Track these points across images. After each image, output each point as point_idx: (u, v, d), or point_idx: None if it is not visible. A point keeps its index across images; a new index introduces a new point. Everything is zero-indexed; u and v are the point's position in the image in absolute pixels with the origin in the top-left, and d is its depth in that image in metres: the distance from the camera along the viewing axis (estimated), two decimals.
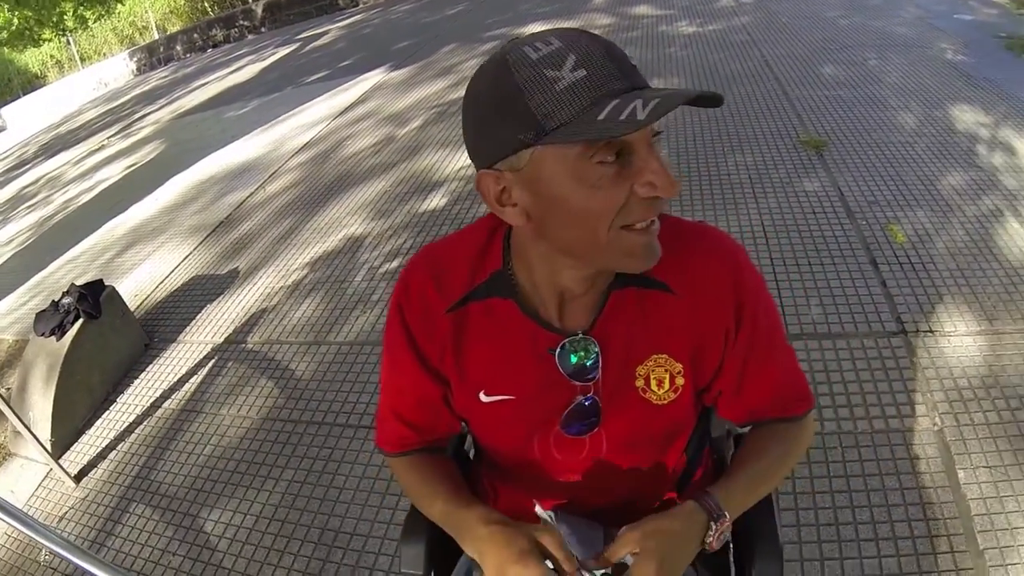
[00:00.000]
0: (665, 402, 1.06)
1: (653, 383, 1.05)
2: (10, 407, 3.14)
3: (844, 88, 5.34)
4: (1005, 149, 4.06)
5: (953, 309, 2.88)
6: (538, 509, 1.06)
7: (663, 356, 1.04)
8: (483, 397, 1.10)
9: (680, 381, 1.05)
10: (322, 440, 2.98)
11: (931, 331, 2.79)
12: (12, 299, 5.89)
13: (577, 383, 1.05)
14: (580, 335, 1.02)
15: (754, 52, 6.65)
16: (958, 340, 2.73)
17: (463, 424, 1.23)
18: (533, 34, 0.82)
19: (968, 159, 4.00)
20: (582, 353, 1.03)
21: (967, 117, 4.53)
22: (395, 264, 4.23)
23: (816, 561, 2.04)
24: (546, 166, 0.82)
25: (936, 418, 2.42)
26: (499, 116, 0.82)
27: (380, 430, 1.24)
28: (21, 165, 12.96)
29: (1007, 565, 1.94)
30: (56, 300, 3.91)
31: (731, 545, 1.23)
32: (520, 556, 0.91)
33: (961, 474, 2.22)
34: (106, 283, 4.09)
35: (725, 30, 7.63)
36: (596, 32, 0.83)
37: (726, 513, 1.00)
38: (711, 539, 0.98)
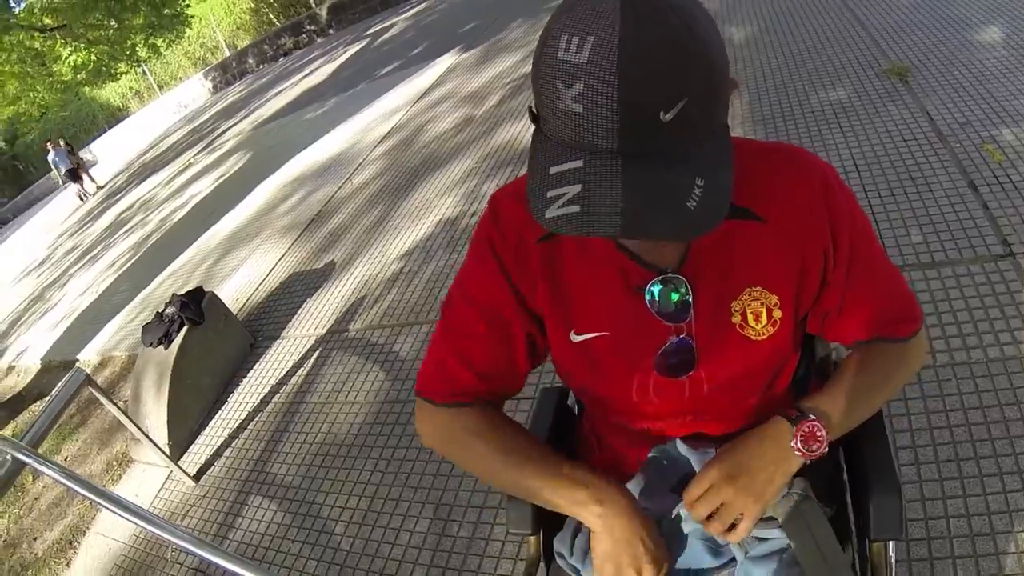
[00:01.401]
0: (764, 337, 1.00)
1: (750, 318, 1.00)
2: (128, 416, 3.23)
3: (921, 12, 4.99)
4: None
5: None
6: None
7: (758, 289, 0.99)
8: (574, 337, 1.05)
9: (778, 314, 1.00)
10: None
11: None
12: (121, 317, 6.15)
13: (669, 324, 1.00)
14: (669, 271, 0.97)
15: None
16: None
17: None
18: (588, 18, 0.69)
19: None
20: (672, 293, 0.98)
21: None
22: None
23: (939, 500, 1.92)
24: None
25: None
26: (533, 72, 0.77)
27: (429, 377, 1.14)
28: (116, 193, 13.54)
29: None
30: (160, 311, 4.04)
31: (848, 480, 1.19)
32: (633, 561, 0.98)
33: None
34: (205, 290, 4.18)
35: None
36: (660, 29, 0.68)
37: (810, 415, 0.99)
38: (795, 443, 0.98)
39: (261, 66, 20.30)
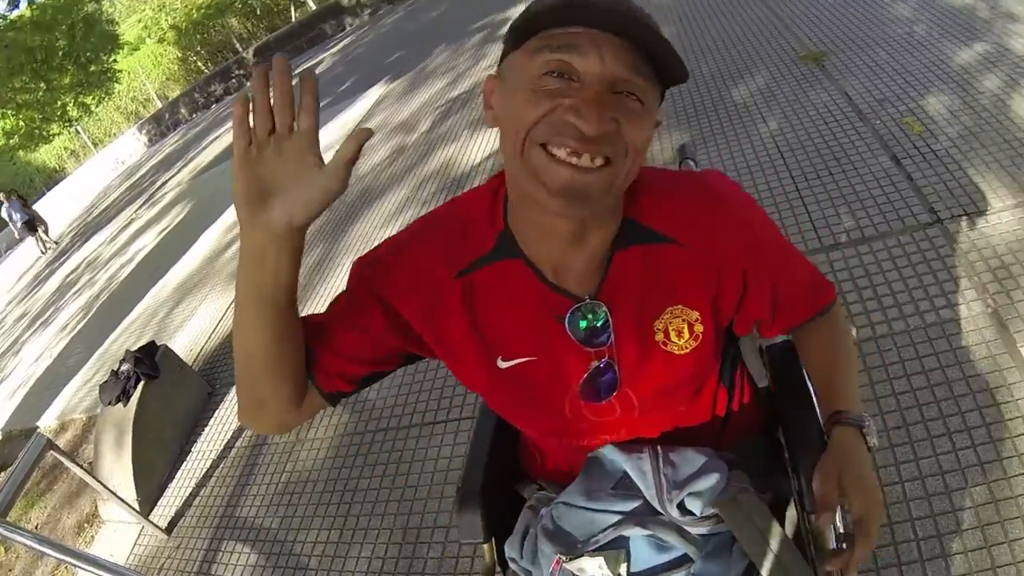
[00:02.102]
0: (687, 351, 1.05)
1: (673, 334, 1.04)
2: (93, 476, 3.24)
3: None
4: (1006, 16, 3.92)
5: (984, 187, 2.78)
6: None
7: (678, 307, 1.03)
8: (501, 363, 1.06)
9: (699, 328, 1.04)
10: (390, 445, 3.04)
11: (966, 214, 2.70)
12: (77, 380, 6.09)
13: (590, 349, 1.03)
14: (588, 299, 1.00)
15: None
16: (995, 217, 2.63)
17: None
18: None
19: (971, 34, 3.88)
20: (591, 316, 1.01)
21: None
22: None
23: (891, 466, 1.99)
24: (512, 70, 0.87)
25: (988, 300, 2.34)
26: (509, 28, 0.87)
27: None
28: (61, 255, 13.32)
29: None
30: (115, 369, 4.02)
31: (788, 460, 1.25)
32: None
33: None
34: (158, 343, 4.19)
35: None
36: None
37: (861, 419, 1.08)
38: (872, 440, 1.08)
39: (194, 115, 20.12)
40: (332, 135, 8.53)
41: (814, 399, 1.21)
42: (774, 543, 1.04)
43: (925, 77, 3.64)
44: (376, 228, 5.22)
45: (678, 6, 6.57)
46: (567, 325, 1.00)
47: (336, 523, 2.82)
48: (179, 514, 3.46)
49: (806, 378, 1.25)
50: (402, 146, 6.68)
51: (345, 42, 16.17)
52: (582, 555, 1.07)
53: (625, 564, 1.06)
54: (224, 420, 3.96)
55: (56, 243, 16.26)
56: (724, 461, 1.13)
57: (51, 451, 2.85)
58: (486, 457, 1.36)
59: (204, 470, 3.65)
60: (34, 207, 16.37)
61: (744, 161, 3.61)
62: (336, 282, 4.74)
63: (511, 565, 1.23)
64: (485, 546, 1.31)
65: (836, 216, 2.95)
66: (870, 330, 2.40)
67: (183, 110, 20.22)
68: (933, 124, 3.25)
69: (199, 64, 21.70)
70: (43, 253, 15.97)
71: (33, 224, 15.55)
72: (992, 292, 2.35)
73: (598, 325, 1.00)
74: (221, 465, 3.60)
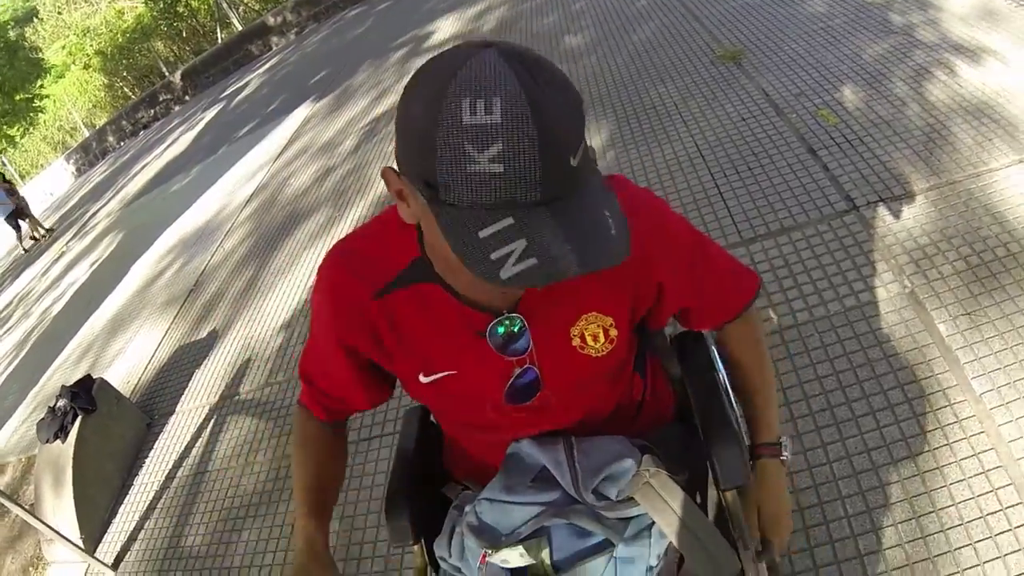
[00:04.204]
0: (604, 353, 1.09)
1: (589, 339, 1.08)
2: (36, 517, 3.20)
3: None
4: (918, 6, 4.05)
5: (898, 173, 2.88)
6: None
7: (593, 314, 1.07)
8: (423, 378, 1.11)
9: (614, 332, 1.09)
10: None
11: (881, 200, 2.79)
12: (13, 421, 5.94)
13: (511, 357, 1.06)
14: (505, 314, 1.03)
15: None
16: (909, 202, 2.74)
17: None
18: (485, 80, 0.71)
19: (883, 27, 4.01)
20: (507, 323, 1.03)
21: None
22: None
23: (819, 449, 2.06)
24: (432, 219, 0.79)
25: (905, 281, 2.43)
26: (413, 145, 0.76)
27: (303, 363, 1.28)
28: None
29: (1007, 404, 1.96)
30: (52, 406, 3.94)
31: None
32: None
33: (942, 327, 2.22)
34: (94, 376, 4.13)
35: None
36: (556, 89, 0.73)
37: (776, 438, 1.25)
38: (787, 458, 1.25)
39: (122, 143, 19.65)
40: (259, 159, 8.48)
41: (725, 386, 1.32)
42: (691, 522, 1.08)
43: (839, 70, 3.76)
44: (304, 248, 5.22)
45: (597, 13, 6.67)
46: (488, 338, 1.03)
47: (281, 544, 2.83)
48: (124, 549, 3.42)
49: (715, 361, 1.35)
50: (328, 166, 6.66)
51: (272, 62, 15.97)
52: (504, 547, 1.12)
53: (547, 550, 1.11)
54: (164, 450, 3.92)
55: (49, 231, 14.56)
56: (637, 447, 1.18)
57: None
58: (410, 463, 1.41)
59: (147, 502, 3.60)
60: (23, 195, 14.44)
61: (664, 161, 3.69)
62: (269, 303, 4.73)
63: (441, 564, 1.26)
64: (416, 548, 1.34)
65: (755, 209, 3.04)
66: (791, 318, 2.47)
67: (111, 138, 19.72)
68: (848, 115, 3.37)
69: (125, 90, 21.20)
70: (34, 242, 14.23)
71: (21, 215, 13.72)
72: (909, 273, 2.44)
73: (514, 331, 1.04)
74: (164, 496, 3.56)
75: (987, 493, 1.81)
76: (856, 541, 1.84)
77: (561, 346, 1.07)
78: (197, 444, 3.77)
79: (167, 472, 3.72)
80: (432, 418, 1.50)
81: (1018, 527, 1.73)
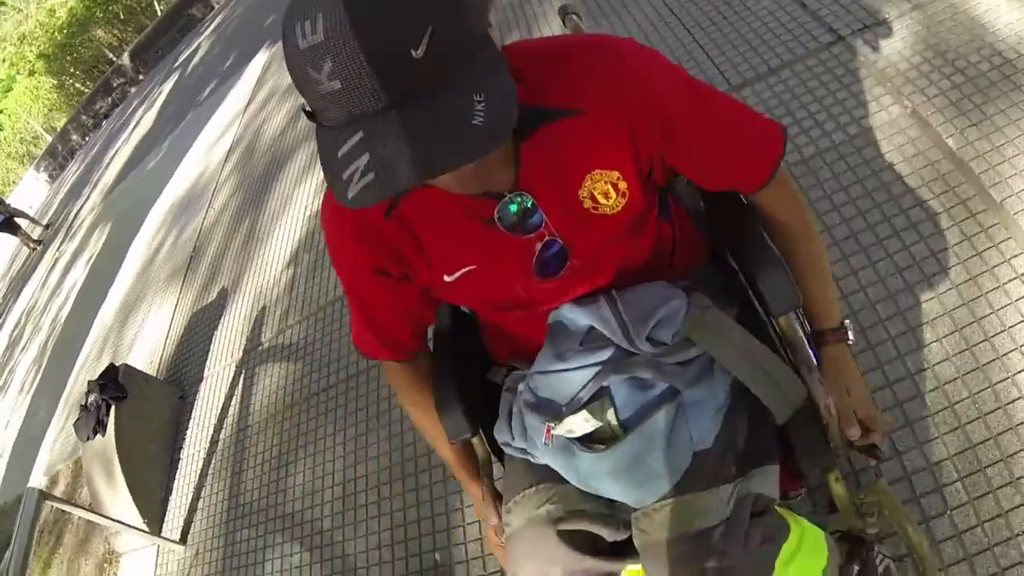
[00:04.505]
0: (618, 208, 1.04)
1: (600, 197, 1.03)
2: (97, 513, 3.14)
3: None
4: None
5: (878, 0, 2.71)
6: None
7: (596, 172, 1.02)
8: (447, 278, 1.09)
9: (623, 185, 1.03)
10: (365, 387, 3.00)
11: (865, 27, 2.65)
12: (52, 431, 5.92)
13: (527, 235, 1.04)
14: (507, 194, 1.00)
15: None
16: (895, 24, 2.59)
17: None
18: (307, 1, 0.69)
19: None
20: (517, 203, 1.01)
21: None
22: None
23: (850, 277, 2.00)
24: None
25: (905, 101, 2.32)
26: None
27: (356, 333, 1.26)
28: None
29: None
30: (83, 403, 3.86)
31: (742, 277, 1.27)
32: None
33: (950, 141, 2.14)
34: (117, 364, 4.02)
35: None
36: None
37: (839, 321, 1.20)
38: (853, 339, 1.21)
39: (87, 138, 19.27)
40: (229, 114, 8.20)
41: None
42: (752, 352, 1.06)
43: None
44: (294, 186, 5.04)
45: None
46: (498, 220, 1.01)
47: (335, 479, 2.78)
48: (188, 522, 3.37)
49: (738, 202, 1.23)
50: (301, 103, 6.38)
51: (217, 20, 15.46)
52: (567, 416, 1.06)
53: (611, 410, 1.06)
54: (203, 417, 3.85)
55: (37, 242, 14.10)
56: (680, 289, 1.15)
57: (47, 501, 2.72)
58: (451, 356, 1.35)
59: (198, 471, 3.55)
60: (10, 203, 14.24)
61: (636, 26, 3.46)
62: (271, 248, 4.60)
63: (505, 451, 1.23)
64: (475, 440, 1.31)
65: (739, 56, 2.87)
66: (797, 153, 2.37)
67: (75, 136, 19.34)
68: None
69: (77, 85, 20.70)
70: (32, 250, 13.92)
71: (12, 222, 13.18)
72: (907, 94, 2.33)
73: (528, 207, 1.01)
74: (213, 461, 3.50)
75: (1019, 293, 1.79)
76: (904, 361, 1.81)
77: (574, 211, 1.04)
78: (232, 403, 3.68)
79: (210, 437, 3.65)
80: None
81: None
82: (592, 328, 1.12)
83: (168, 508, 3.58)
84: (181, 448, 3.82)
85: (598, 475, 1.06)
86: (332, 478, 2.76)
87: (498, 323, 1.29)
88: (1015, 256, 1.85)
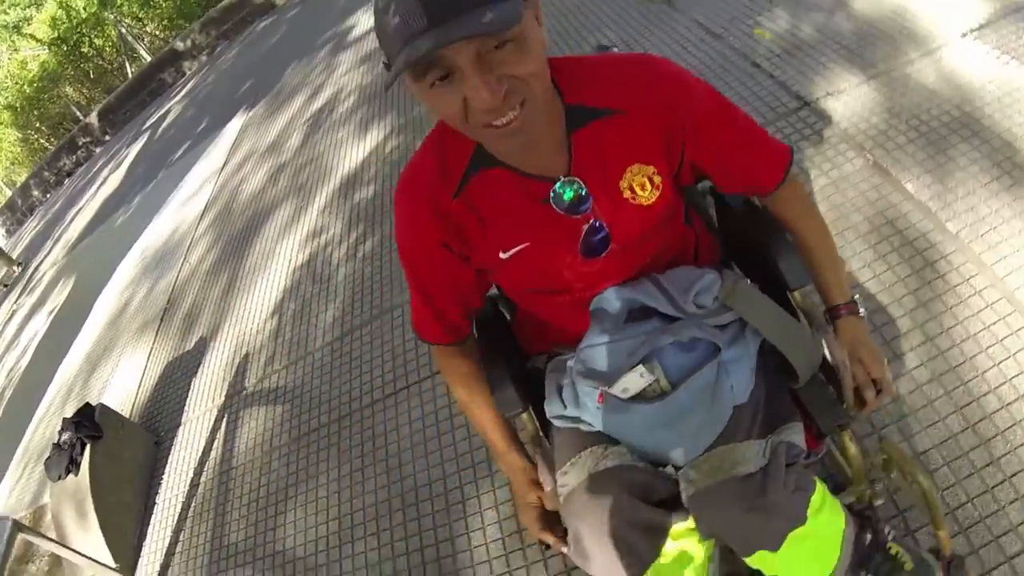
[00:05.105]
0: (653, 200, 1.21)
1: (637, 189, 1.19)
2: (71, 549, 3.07)
3: None
4: None
5: (839, 70, 3.09)
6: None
7: (636, 166, 1.19)
8: (502, 255, 1.23)
9: (658, 179, 1.20)
10: (359, 426, 3.03)
11: (828, 94, 3.00)
12: (8, 481, 5.68)
13: (576, 216, 1.19)
14: (561, 178, 1.17)
15: None
16: (855, 91, 2.95)
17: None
18: None
19: None
20: (573, 188, 1.17)
21: None
22: (343, 254, 4.22)
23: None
24: (414, 87, 0.99)
25: (867, 155, 2.65)
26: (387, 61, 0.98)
27: (416, 318, 1.41)
28: None
29: (980, 236, 2.24)
30: (56, 442, 3.76)
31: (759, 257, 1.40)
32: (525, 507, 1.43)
33: (909, 186, 2.48)
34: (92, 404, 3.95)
35: None
36: None
37: (850, 297, 1.36)
38: (863, 313, 1.37)
39: (48, 195, 19.00)
40: (203, 174, 8.23)
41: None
42: (779, 317, 1.24)
43: None
44: (276, 241, 5.09)
45: None
46: (552, 202, 1.18)
47: (330, 514, 2.77)
48: (165, 566, 3.29)
49: (751, 205, 1.44)
50: (280, 165, 6.48)
51: (189, 86, 15.50)
52: (624, 374, 1.21)
53: (660, 369, 1.21)
54: (181, 461, 3.79)
55: (19, 265, 13.81)
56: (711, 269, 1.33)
57: (20, 533, 2.68)
58: (499, 341, 1.52)
59: (176, 516, 3.47)
60: None
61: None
62: (253, 298, 4.62)
63: (556, 423, 1.36)
64: (524, 415, 1.44)
65: None
66: None
67: (36, 192, 19.03)
68: (781, 29, 3.53)
69: (42, 141, 20.47)
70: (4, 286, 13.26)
71: None
72: (869, 148, 2.68)
73: (583, 194, 1.17)
74: (193, 505, 3.44)
75: (979, 305, 2.10)
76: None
77: (615, 199, 1.20)
78: (214, 446, 3.65)
79: (190, 480, 3.60)
80: (500, 306, 1.64)
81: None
82: (634, 309, 1.28)
83: (143, 553, 3.48)
84: (156, 493, 3.74)
85: (652, 428, 1.20)
86: (327, 514, 2.76)
87: (537, 314, 1.43)
88: (972, 276, 2.15)
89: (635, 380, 1.20)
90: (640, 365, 1.21)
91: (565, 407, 1.31)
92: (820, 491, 1.18)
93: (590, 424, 1.28)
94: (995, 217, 2.26)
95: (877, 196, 2.50)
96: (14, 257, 14.23)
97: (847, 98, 2.94)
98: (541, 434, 1.46)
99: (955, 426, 1.87)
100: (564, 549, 1.29)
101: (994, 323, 2.02)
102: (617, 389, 1.21)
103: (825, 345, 1.33)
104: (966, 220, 2.29)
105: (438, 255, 1.25)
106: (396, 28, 0.90)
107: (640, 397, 1.21)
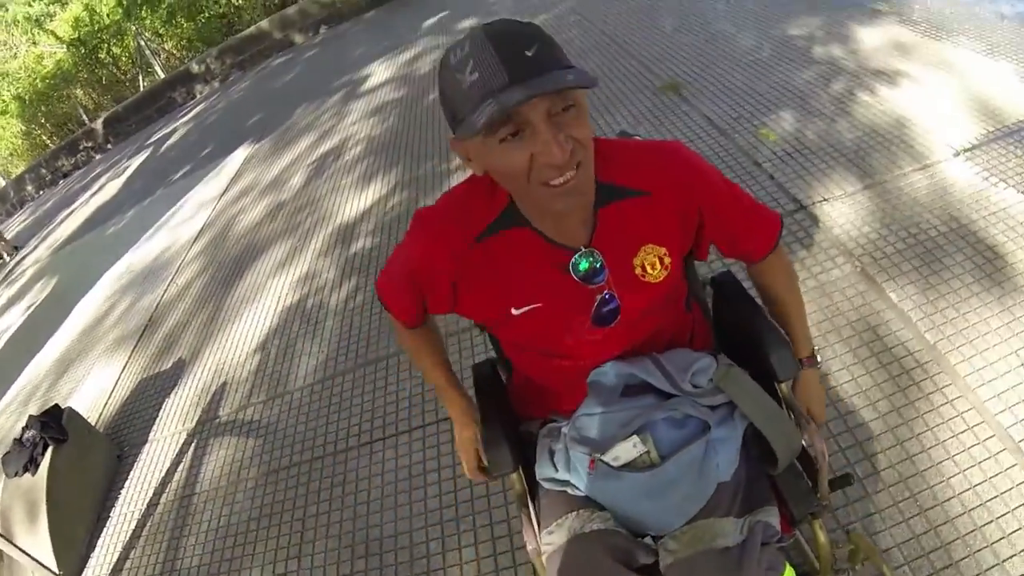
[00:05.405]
0: (661, 279, 1.30)
1: (648, 268, 1.28)
2: (13, 544, 3.03)
3: (682, 33, 5.68)
4: (837, 40, 4.51)
5: (836, 177, 3.26)
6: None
7: (650, 246, 1.28)
8: (514, 311, 1.29)
9: (668, 260, 1.29)
10: (330, 470, 3.04)
11: (824, 199, 3.18)
12: None
13: (591, 286, 1.26)
14: (582, 249, 1.24)
15: (591, 27, 6.89)
16: (850, 199, 3.13)
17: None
18: (464, 35, 1.02)
19: (807, 58, 4.42)
20: (591, 259, 1.24)
21: (797, 24, 4.98)
22: (335, 301, 4.27)
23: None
24: (471, 144, 1.08)
25: (855, 262, 2.81)
26: (444, 107, 1.07)
27: (384, 296, 1.49)
28: None
29: (956, 348, 2.36)
30: (18, 437, 3.73)
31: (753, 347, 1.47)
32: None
33: (892, 295, 2.62)
34: (61, 406, 3.94)
35: (558, 15, 7.82)
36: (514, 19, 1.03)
37: (812, 351, 1.52)
38: (821, 364, 1.46)
39: (41, 191, 18.86)
40: (201, 198, 8.29)
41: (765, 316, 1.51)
42: (766, 404, 1.30)
43: (773, 96, 4.09)
44: (268, 277, 5.14)
45: None
46: (571, 270, 1.24)
47: (291, 552, 2.77)
48: None
49: (747, 292, 1.58)
50: (279, 203, 6.57)
51: (197, 109, 15.60)
52: (618, 443, 1.28)
53: (652, 442, 1.28)
54: (142, 479, 3.77)
55: (15, 248, 13.61)
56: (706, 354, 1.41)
57: None
58: (496, 403, 1.60)
59: (130, 532, 3.45)
60: None
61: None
62: (238, 329, 4.65)
63: (545, 485, 1.42)
64: (514, 475, 1.45)
65: None
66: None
67: (29, 187, 18.89)
68: (784, 132, 3.70)
69: (44, 138, 20.36)
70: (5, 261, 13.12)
71: None
72: (858, 255, 2.84)
73: (597, 266, 1.25)
74: (148, 524, 3.42)
75: (950, 414, 2.20)
76: (854, 469, 2.15)
77: (628, 275, 1.28)
78: (179, 469, 3.64)
79: (148, 499, 3.58)
80: (498, 368, 1.74)
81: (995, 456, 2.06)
82: (631, 384, 1.35)
83: (89, 564, 3.44)
84: (113, 507, 3.71)
85: (639, 496, 1.27)
86: (287, 552, 2.77)
87: (536, 378, 1.51)
88: (946, 386, 2.26)
89: (627, 449, 1.27)
90: (633, 436, 1.28)
91: (556, 470, 1.37)
92: (789, 573, 1.27)
93: (578, 488, 1.34)
94: (971, 331, 2.39)
95: (862, 302, 2.64)
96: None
97: (842, 205, 3.10)
98: (528, 495, 1.49)
99: (918, 527, 1.96)
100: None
101: (962, 432, 2.13)
102: (609, 457, 1.27)
103: (805, 437, 1.40)
104: (944, 332, 2.42)
105: (407, 285, 1.38)
106: (474, 84, 0.97)
107: (630, 466, 1.27)
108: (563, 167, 1.03)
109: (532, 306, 1.28)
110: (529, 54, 0.97)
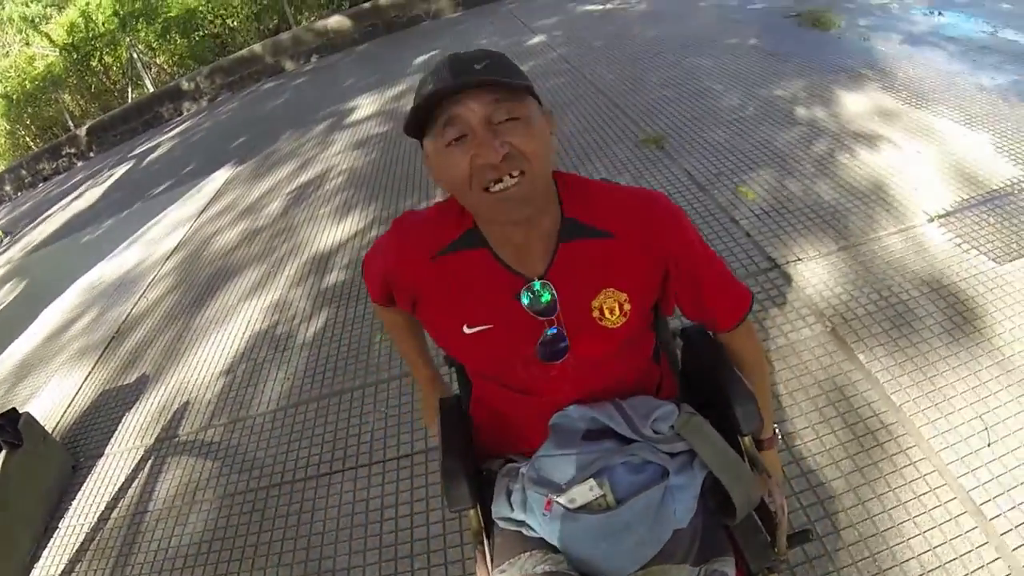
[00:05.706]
0: (618, 325, 1.29)
1: (606, 312, 1.28)
2: None
3: (667, 88, 5.84)
4: (821, 102, 4.71)
5: (812, 238, 3.38)
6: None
7: (610, 290, 1.27)
8: (466, 329, 1.30)
9: (628, 307, 1.28)
10: (287, 498, 3.01)
11: (799, 259, 3.27)
12: None
13: (540, 318, 1.27)
14: (536, 280, 1.26)
15: (580, 77, 7.04)
16: (824, 259, 3.23)
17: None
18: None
19: (790, 119, 4.59)
20: (539, 288, 1.26)
21: (782, 85, 5.18)
22: (304, 330, 4.28)
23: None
24: (430, 151, 1.15)
25: (826, 322, 2.88)
26: (409, 120, 1.14)
27: (367, 277, 1.53)
28: None
29: (921, 411, 2.42)
30: None
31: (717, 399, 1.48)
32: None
33: (861, 356, 2.68)
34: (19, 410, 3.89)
35: (547, 63, 7.98)
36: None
37: (773, 432, 1.56)
38: (779, 437, 1.59)
39: (19, 192, 18.61)
40: (179, 216, 8.26)
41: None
42: (726, 454, 1.29)
43: (754, 154, 4.23)
44: (240, 300, 5.13)
45: None
46: (521, 297, 1.26)
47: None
48: None
49: (719, 352, 1.53)
50: (256, 228, 6.56)
51: (183, 126, 15.53)
52: (575, 486, 1.27)
53: (608, 486, 1.26)
54: (95, 492, 3.72)
55: (6, 233, 13.45)
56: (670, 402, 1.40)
57: None
58: (458, 439, 1.54)
59: (77, 545, 3.38)
60: None
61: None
62: (204, 349, 4.62)
63: (501, 524, 1.40)
64: (471, 512, 1.44)
65: None
66: None
67: (8, 187, 18.63)
68: (763, 191, 3.82)
69: (27, 139, 20.13)
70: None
71: None
72: (828, 315, 2.91)
73: (547, 299, 1.26)
74: (97, 539, 3.36)
75: (913, 475, 2.25)
76: (814, 526, 2.18)
77: (584, 316, 1.27)
78: (133, 485, 3.60)
79: (99, 513, 3.53)
80: (463, 407, 1.69)
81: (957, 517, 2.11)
82: (592, 429, 1.34)
83: (32, 573, 3.36)
84: (62, 517, 3.64)
85: (594, 539, 1.24)
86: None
87: (498, 411, 1.50)
88: (910, 448, 2.31)
89: (583, 492, 1.26)
90: (590, 479, 1.26)
91: (512, 510, 1.36)
92: None
93: (533, 529, 1.33)
94: (937, 394, 2.45)
95: (830, 362, 2.68)
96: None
97: (815, 265, 3.18)
98: (483, 532, 1.48)
99: None
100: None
101: (924, 493, 2.17)
102: (565, 499, 1.26)
103: (765, 491, 1.41)
104: (910, 394, 2.47)
105: (387, 280, 1.41)
106: (429, 89, 1.07)
107: (586, 509, 1.26)
108: (498, 169, 1.07)
109: (484, 327, 1.29)
110: (478, 67, 1.06)
